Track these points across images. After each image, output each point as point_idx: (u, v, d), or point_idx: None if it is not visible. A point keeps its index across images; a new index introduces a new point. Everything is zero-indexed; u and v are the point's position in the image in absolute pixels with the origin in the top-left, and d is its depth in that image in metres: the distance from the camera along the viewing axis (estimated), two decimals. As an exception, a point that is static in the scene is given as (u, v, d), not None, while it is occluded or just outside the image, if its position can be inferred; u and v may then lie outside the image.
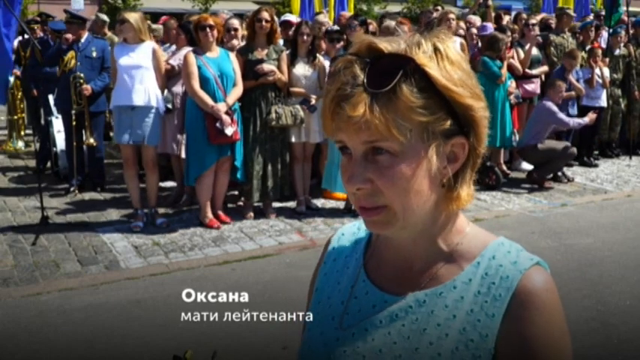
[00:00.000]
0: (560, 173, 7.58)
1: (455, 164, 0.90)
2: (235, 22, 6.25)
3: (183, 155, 6.10)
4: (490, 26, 8.14)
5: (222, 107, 5.42)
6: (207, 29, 5.46)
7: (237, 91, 5.61)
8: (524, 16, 8.96)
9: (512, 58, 7.67)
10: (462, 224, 0.98)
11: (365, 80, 0.83)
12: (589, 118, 7.37)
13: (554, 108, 7.08)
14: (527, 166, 7.77)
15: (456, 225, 0.97)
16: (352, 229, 1.12)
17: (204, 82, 5.45)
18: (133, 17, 5.59)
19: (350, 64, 0.86)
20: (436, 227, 0.95)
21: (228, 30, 6.07)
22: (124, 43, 5.64)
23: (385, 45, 0.86)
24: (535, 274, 0.91)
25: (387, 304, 0.96)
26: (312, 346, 1.00)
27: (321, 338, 0.99)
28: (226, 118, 5.42)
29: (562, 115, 7.14)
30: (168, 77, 6.00)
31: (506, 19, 8.81)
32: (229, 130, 5.44)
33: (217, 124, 5.41)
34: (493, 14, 8.95)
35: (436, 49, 0.86)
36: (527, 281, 0.89)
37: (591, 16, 10.81)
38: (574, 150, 7.35)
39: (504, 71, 7.06)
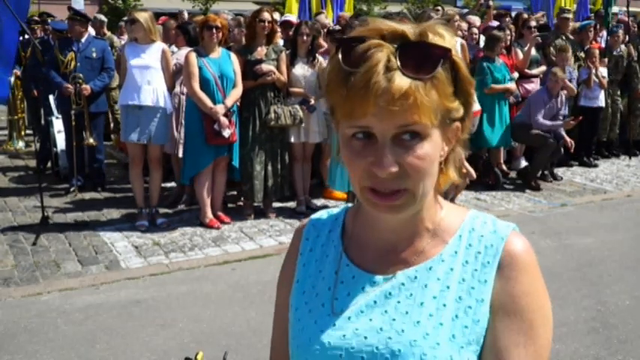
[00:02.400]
0: (547, 172, 7.57)
1: (449, 147, 0.96)
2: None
3: (180, 154, 6.11)
4: (495, 24, 8.15)
5: (220, 109, 5.43)
6: (214, 30, 5.47)
7: (236, 93, 5.62)
8: (525, 16, 8.96)
9: (513, 58, 7.68)
10: (442, 202, 1.03)
11: (400, 64, 0.85)
12: (566, 124, 7.13)
13: (540, 107, 7.04)
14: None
15: (438, 203, 1.02)
16: (322, 219, 1.13)
17: (204, 83, 5.46)
18: (143, 17, 5.60)
19: (380, 47, 0.86)
20: (427, 207, 0.99)
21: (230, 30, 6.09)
22: (135, 42, 5.65)
23: (411, 32, 0.88)
24: (515, 238, 0.98)
25: (377, 284, 0.99)
26: (308, 335, 1.00)
27: (316, 327, 1.00)
28: (224, 121, 5.44)
29: (541, 119, 7.01)
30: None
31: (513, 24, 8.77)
32: (227, 132, 5.47)
33: (215, 126, 5.43)
34: (494, 12, 8.95)
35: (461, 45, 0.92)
36: (510, 246, 0.97)
37: (592, 16, 10.80)
38: (560, 146, 7.22)
39: (503, 87, 7.05)
